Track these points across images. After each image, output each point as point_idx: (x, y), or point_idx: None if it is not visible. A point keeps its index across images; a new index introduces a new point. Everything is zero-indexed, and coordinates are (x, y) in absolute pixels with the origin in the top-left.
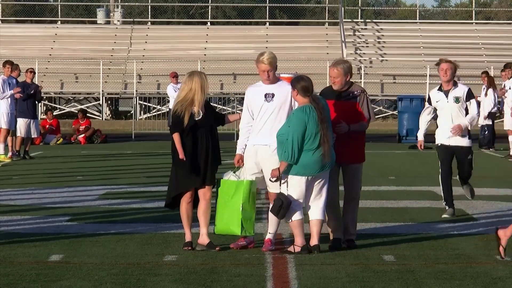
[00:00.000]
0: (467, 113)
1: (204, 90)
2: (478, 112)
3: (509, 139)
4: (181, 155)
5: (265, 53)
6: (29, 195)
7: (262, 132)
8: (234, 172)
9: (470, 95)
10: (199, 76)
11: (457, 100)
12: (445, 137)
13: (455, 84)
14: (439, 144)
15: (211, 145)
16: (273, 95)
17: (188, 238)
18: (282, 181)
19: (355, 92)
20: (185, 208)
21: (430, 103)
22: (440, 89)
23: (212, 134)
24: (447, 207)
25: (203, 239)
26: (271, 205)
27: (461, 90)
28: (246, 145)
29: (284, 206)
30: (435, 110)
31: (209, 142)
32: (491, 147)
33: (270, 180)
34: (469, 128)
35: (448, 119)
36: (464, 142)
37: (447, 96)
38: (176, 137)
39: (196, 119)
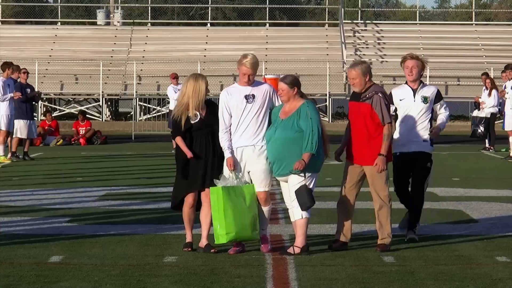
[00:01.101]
0: (432, 115)
1: (197, 93)
2: (448, 116)
3: (509, 140)
4: (189, 155)
5: (248, 56)
6: (29, 196)
7: (246, 133)
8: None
9: (439, 97)
10: (194, 79)
11: (425, 100)
12: (404, 143)
13: (422, 84)
14: (398, 153)
15: (211, 147)
16: (253, 96)
17: (189, 239)
18: (307, 175)
19: (369, 94)
20: (187, 211)
21: (392, 103)
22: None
23: (213, 136)
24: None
25: (202, 242)
26: (265, 208)
27: (429, 90)
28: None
29: (309, 192)
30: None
31: (209, 145)
32: (490, 142)
33: (291, 172)
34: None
35: (412, 121)
36: (426, 148)
37: (414, 95)
38: (178, 140)
39: (192, 122)
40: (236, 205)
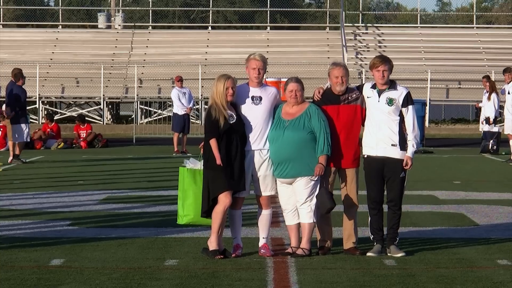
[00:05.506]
0: (401, 120)
1: (220, 94)
2: (417, 138)
3: (510, 143)
4: (219, 161)
5: (255, 53)
6: (30, 199)
7: (251, 137)
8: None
9: (408, 100)
10: (217, 79)
11: (390, 102)
12: (372, 145)
13: (392, 85)
14: (365, 156)
15: (241, 149)
16: (260, 98)
17: (215, 245)
18: (316, 178)
19: (354, 95)
20: (222, 212)
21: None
22: (374, 86)
23: (244, 139)
24: (374, 243)
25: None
26: (264, 210)
27: (398, 93)
28: None
29: (330, 194)
30: None
31: (241, 147)
32: (496, 152)
33: (311, 179)
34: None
35: (378, 122)
36: (396, 153)
37: (379, 95)
38: (213, 143)
39: (231, 122)
40: (200, 189)
